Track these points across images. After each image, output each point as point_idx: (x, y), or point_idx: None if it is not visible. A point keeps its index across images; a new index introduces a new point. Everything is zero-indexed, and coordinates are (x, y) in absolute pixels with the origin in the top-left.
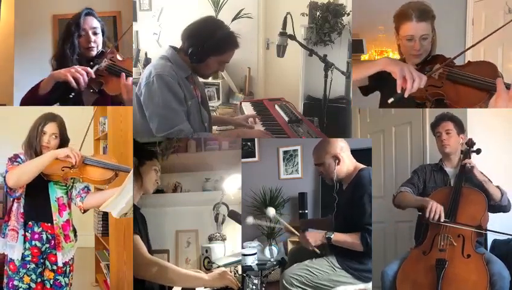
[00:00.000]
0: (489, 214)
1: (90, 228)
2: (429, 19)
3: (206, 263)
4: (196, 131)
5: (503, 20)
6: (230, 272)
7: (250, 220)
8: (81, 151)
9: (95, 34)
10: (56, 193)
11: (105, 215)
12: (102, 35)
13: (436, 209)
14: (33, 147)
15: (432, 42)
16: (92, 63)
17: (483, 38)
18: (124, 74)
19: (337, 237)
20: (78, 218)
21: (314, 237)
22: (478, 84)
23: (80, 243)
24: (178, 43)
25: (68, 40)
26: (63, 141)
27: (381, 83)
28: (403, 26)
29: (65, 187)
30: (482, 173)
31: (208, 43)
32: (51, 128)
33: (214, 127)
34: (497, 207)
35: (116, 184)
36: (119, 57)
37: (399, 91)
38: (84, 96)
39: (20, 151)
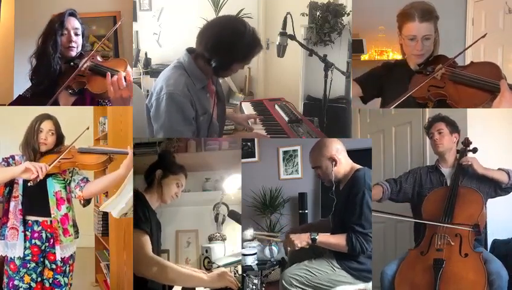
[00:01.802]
0: (489, 213)
1: (90, 228)
2: (432, 19)
3: (206, 263)
4: None
5: (503, 20)
6: (230, 272)
7: (249, 233)
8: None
9: (76, 34)
10: (54, 187)
11: (105, 215)
12: (83, 38)
13: None
14: (31, 145)
15: (434, 43)
16: (72, 63)
17: (481, 37)
18: (109, 73)
19: (322, 238)
20: (78, 218)
21: (299, 238)
22: (481, 84)
23: (80, 243)
24: (178, 43)
25: (51, 38)
26: (59, 138)
27: (377, 90)
28: (405, 26)
29: (63, 181)
30: (482, 166)
31: (233, 53)
32: (47, 125)
33: None
34: (511, 187)
35: (113, 168)
36: (99, 58)
37: None
38: (61, 99)
39: (18, 152)
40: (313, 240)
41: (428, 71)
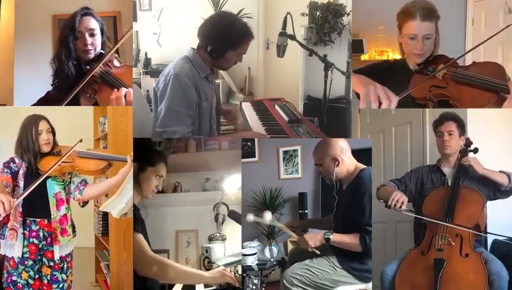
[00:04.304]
0: (489, 214)
1: (90, 228)
2: (433, 19)
3: (206, 263)
4: (204, 132)
5: (503, 20)
6: (230, 272)
7: (250, 217)
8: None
9: (92, 35)
10: (54, 189)
11: (105, 215)
12: (102, 35)
13: (398, 198)
14: (30, 150)
15: (434, 42)
16: (88, 66)
17: (489, 38)
18: (115, 89)
19: (336, 237)
20: (78, 218)
21: (313, 238)
22: (486, 84)
23: (80, 243)
24: (178, 43)
25: (63, 45)
26: (54, 136)
27: None
28: (406, 25)
29: (62, 182)
30: (482, 167)
31: (225, 39)
32: (44, 125)
33: None
34: (510, 190)
35: (111, 173)
36: (116, 63)
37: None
38: (82, 102)
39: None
40: (327, 239)
41: (429, 71)
